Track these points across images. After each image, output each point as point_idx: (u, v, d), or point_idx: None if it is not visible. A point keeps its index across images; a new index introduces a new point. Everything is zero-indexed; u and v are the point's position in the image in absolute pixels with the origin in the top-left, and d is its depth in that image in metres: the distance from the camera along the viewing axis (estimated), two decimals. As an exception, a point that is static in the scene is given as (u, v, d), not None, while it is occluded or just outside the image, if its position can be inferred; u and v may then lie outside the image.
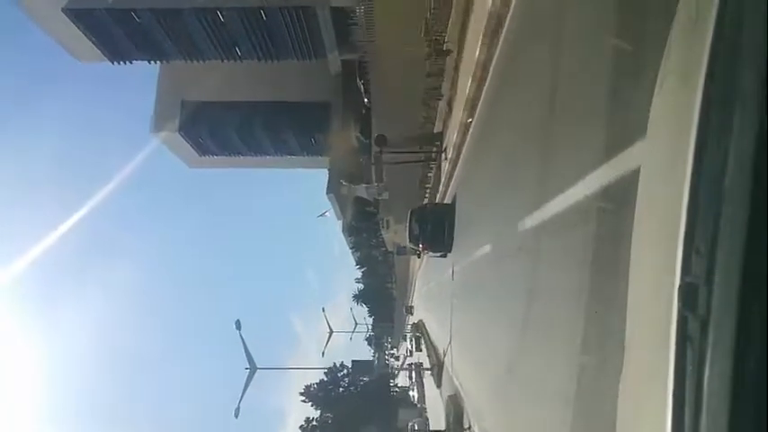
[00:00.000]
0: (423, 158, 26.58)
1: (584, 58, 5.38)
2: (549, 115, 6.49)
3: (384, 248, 61.33)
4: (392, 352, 79.30)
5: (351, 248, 72.61)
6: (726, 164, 1.03)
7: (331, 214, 47.26)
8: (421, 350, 33.83)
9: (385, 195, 36.85)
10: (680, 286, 1.11)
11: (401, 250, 42.61)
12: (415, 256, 37.45)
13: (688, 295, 1.08)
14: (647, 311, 1.35)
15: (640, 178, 1.44)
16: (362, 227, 58.92)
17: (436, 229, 16.80)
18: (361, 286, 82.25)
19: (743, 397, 0.95)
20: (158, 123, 45.01)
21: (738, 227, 1.00)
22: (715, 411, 0.99)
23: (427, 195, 30.74)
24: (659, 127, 1.39)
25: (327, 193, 36.55)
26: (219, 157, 51.33)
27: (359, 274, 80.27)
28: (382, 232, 50.75)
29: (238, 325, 35.67)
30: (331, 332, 68.73)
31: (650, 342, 1.28)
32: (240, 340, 36.12)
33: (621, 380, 1.45)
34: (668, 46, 1.33)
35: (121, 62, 40.49)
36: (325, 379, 58.03)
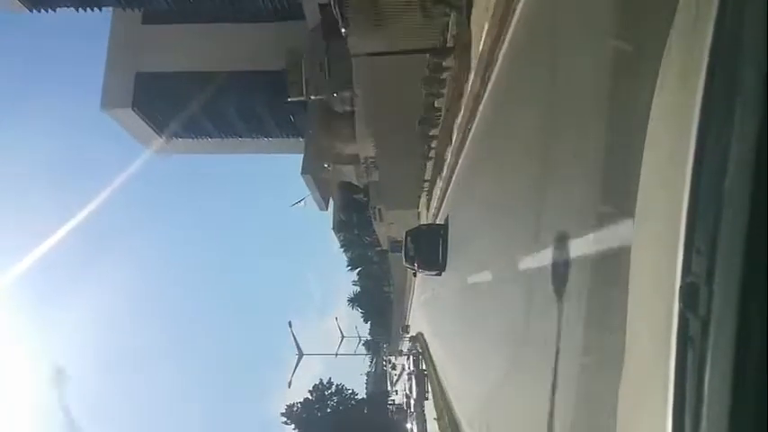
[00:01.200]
0: (432, 46, 13.51)
1: (585, 56, 5.40)
2: (549, 129, 6.53)
3: (379, 247, 53.59)
4: (390, 358, 71.19)
5: (341, 248, 64.86)
6: (726, 164, 1.03)
7: (310, 203, 37.18)
8: (427, 398, 26.08)
9: (375, 176, 28.52)
10: (680, 286, 1.11)
11: (397, 247, 34.99)
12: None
13: (689, 295, 1.08)
14: (648, 311, 1.36)
15: (641, 178, 1.45)
16: (352, 221, 51.51)
17: (431, 250, 17.32)
18: (357, 289, 75.12)
19: (743, 397, 0.95)
20: (109, 99, 36.04)
21: (739, 226, 1.00)
22: (715, 411, 0.99)
23: (432, 154, 19.70)
24: (659, 127, 1.40)
25: (302, 174, 29.10)
26: (185, 141, 41.47)
27: (355, 276, 72.06)
28: (375, 226, 42.31)
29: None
30: (300, 355, 59.11)
31: (651, 342, 1.28)
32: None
33: (622, 380, 1.46)
34: (668, 46, 1.34)
35: (42, 10, 33.38)
36: (311, 398, 52.84)
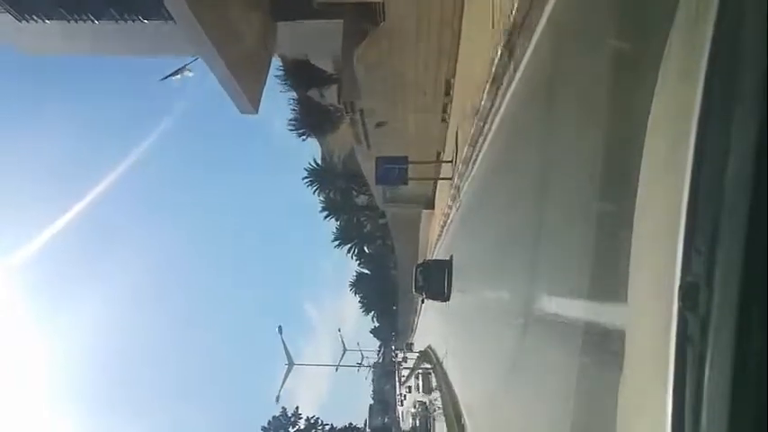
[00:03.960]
0: None
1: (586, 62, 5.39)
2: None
3: (377, 209, 34.66)
4: (397, 352, 62.85)
5: (321, 211, 44.36)
6: (726, 164, 1.03)
7: (210, 85, 20.01)
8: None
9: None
10: (680, 286, 1.11)
11: (388, 169, 18.60)
12: (429, 210, 31.10)
13: (688, 295, 1.08)
14: (648, 311, 1.36)
15: (640, 178, 1.45)
16: (333, 168, 33.00)
17: (437, 283, 19.64)
18: (363, 271, 59.12)
19: (743, 397, 0.96)
20: None
21: (739, 226, 1.00)
22: (715, 411, 0.99)
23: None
24: (659, 127, 1.40)
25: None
26: (55, 24, 17.78)
27: (346, 254, 53.69)
28: (360, 159, 25.34)
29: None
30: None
31: (650, 342, 1.28)
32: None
33: (622, 380, 1.46)
34: (668, 46, 1.34)
35: None
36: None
